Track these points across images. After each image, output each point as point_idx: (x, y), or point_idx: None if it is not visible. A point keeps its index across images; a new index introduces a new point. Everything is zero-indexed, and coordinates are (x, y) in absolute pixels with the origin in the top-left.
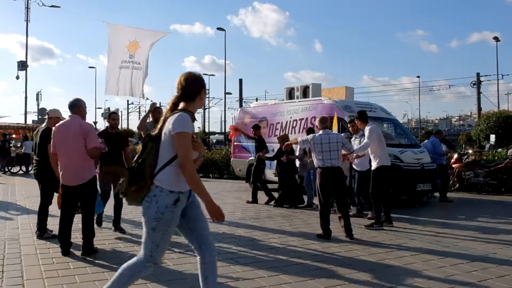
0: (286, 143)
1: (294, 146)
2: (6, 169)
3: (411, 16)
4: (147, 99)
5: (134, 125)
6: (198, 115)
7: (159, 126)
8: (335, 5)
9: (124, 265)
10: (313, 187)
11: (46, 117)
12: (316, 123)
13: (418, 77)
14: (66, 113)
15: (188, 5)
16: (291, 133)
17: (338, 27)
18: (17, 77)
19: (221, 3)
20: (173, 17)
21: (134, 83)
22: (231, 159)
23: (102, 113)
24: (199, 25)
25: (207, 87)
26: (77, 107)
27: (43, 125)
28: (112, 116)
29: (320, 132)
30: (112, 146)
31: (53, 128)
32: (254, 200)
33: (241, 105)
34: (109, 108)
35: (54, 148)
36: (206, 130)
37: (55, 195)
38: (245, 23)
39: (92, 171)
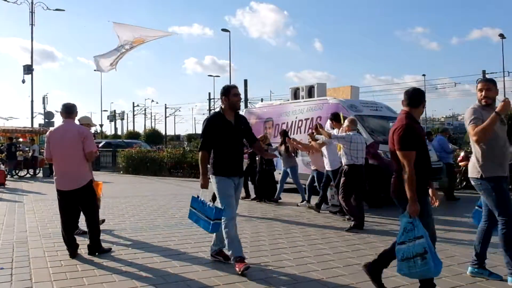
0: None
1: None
2: (14, 173)
3: (408, 13)
4: (153, 101)
5: (139, 128)
6: (202, 116)
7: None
8: (333, 4)
9: None
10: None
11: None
12: (348, 123)
13: (424, 75)
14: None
15: (185, 7)
16: (296, 134)
17: (337, 26)
18: (23, 81)
19: (218, 4)
20: (171, 19)
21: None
22: None
23: (108, 116)
24: (198, 26)
25: (211, 89)
26: (75, 112)
27: None
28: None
29: (351, 133)
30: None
31: (47, 133)
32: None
33: (246, 106)
34: (114, 111)
35: (49, 153)
36: None
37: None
38: (243, 24)
39: (89, 175)
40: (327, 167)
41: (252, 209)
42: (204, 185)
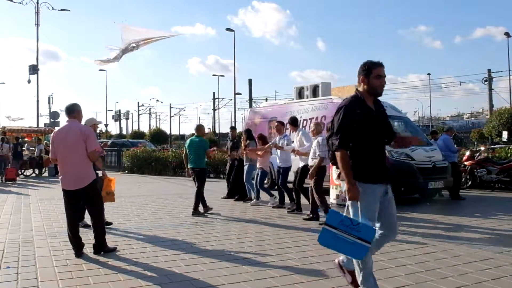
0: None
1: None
2: (19, 172)
3: (410, 12)
4: (157, 100)
5: (144, 127)
6: (207, 116)
7: None
8: (335, 3)
9: None
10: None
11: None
12: (313, 127)
13: (429, 74)
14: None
15: (187, 6)
16: None
17: (339, 25)
18: (29, 81)
19: (220, 4)
20: (174, 19)
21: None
22: None
23: (113, 116)
24: (200, 26)
25: (216, 88)
26: (76, 111)
27: None
28: None
29: (319, 138)
30: None
31: (52, 133)
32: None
33: (251, 105)
34: (119, 110)
35: (54, 154)
36: (216, 131)
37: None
38: (246, 23)
39: (92, 174)
40: (280, 164)
41: (257, 210)
42: (355, 196)
